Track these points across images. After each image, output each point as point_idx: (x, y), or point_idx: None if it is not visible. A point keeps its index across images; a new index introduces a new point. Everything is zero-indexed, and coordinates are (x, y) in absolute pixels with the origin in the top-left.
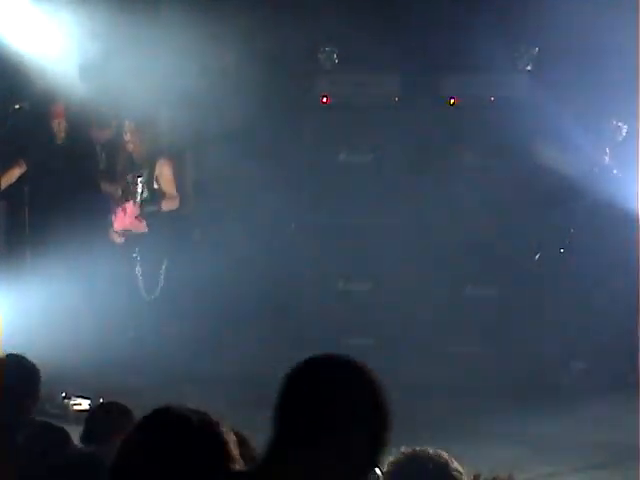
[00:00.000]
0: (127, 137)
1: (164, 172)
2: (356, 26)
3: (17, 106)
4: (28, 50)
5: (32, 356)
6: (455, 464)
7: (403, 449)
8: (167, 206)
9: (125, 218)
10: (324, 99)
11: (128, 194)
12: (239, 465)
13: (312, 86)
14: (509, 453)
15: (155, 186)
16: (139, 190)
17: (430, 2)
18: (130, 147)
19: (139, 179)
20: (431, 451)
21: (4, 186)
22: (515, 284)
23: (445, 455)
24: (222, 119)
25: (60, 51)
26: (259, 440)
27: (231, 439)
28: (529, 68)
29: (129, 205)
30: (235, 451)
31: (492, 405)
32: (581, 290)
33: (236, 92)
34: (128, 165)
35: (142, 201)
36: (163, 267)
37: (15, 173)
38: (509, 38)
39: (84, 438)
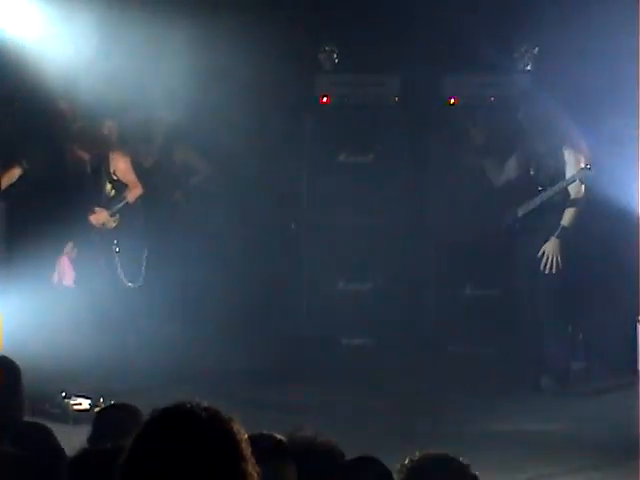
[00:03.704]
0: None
1: (119, 165)
2: (356, 26)
3: (17, 106)
4: (29, 49)
5: (32, 356)
6: (472, 471)
7: (418, 453)
8: (132, 195)
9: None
10: (324, 99)
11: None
12: (251, 464)
13: (312, 86)
14: (509, 453)
15: (114, 178)
16: (105, 187)
17: (430, 2)
18: (78, 146)
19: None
20: (450, 456)
21: (4, 186)
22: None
23: (464, 461)
24: (221, 119)
25: (61, 51)
26: None
27: (243, 438)
28: (529, 68)
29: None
30: (247, 450)
31: (492, 405)
32: (581, 290)
33: (236, 92)
34: (79, 165)
35: (109, 200)
36: (144, 257)
37: (15, 173)
38: (509, 38)
39: (92, 439)
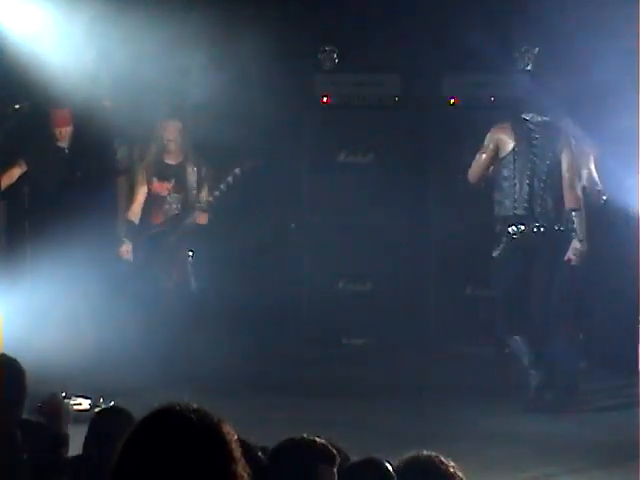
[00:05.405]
0: (168, 136)
1: (204, 192)
2: (356, 26)
3: (17, 106)
4: (30, 49)
5: (32, 356)
6: (458, 473)
7: (407, 455)
8: (201, 220)
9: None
10: (324, 99)
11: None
12: (241, 466)
13: (312, 86)
14: (509, 453)
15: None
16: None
17: (430, 2)
18: (172, 148)
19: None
20: (434, 456)
21: (4, 186)
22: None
23: (447, 460)
24: (222, 119)
25: (62, 51)
26: (260, 439)
27: (233, 439)
28: (529, 68)
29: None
30: (237, 452)
31: (492, 405)
32: (581, 289)
33: (236, 92)
34: (158, 168)
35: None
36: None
37: (15, 173)
38: (509, 38)
39: (89, 441)
